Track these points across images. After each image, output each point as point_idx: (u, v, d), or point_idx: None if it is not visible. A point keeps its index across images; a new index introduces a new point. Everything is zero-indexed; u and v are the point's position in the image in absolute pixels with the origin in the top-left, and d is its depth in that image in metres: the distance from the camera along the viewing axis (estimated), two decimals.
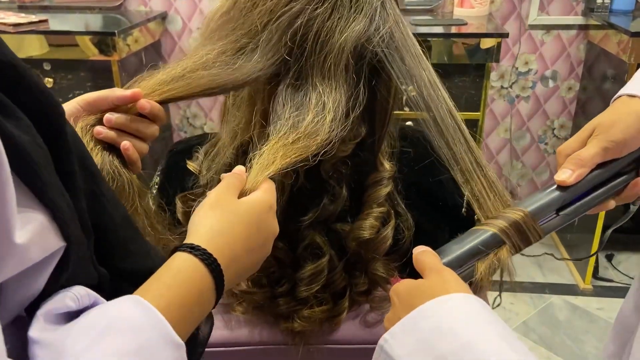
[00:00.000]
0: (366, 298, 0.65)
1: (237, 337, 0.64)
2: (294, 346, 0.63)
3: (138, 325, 0.35)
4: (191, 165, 0.66)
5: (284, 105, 0.55)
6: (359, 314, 0.65)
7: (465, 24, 1.80)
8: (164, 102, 0.55)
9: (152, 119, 0.56)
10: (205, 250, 0.43)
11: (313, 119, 0.53)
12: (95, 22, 2.02)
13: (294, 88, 0.55)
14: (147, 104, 0.54)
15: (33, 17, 1.84)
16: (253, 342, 0.63)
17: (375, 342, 0.63)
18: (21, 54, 1.75)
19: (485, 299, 0.90)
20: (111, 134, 0.53)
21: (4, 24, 1.78)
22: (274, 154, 0.52)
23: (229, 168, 0.60)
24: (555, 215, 0.59)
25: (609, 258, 2.08)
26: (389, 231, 0.62)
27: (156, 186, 0.74)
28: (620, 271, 2.01)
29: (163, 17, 2.12)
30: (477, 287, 0.85)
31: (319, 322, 0.61)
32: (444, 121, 0.58)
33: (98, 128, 0.53)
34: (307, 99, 0.54)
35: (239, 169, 0.51)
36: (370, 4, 0.58)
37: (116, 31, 1.73)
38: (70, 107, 0.54)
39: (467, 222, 0.75)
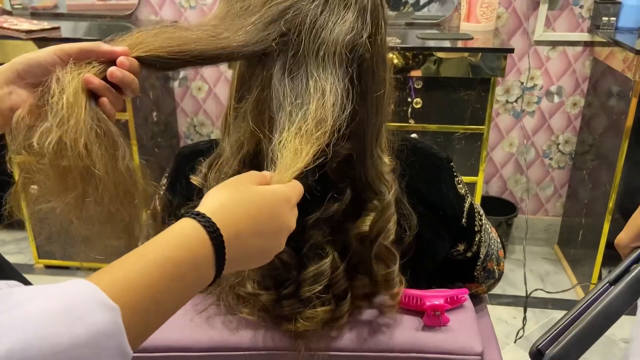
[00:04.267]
0: (369, 302, 0.66)
1: (240, 341, 0.64)
2: (296, 352, 0.63)
3: (68, 290, 0.35)
4: (195, 180, 0.66)
5: (283, 94, 0.56)
6: (362, 320, 0.66)
7: (472, 38, 1.82)
8: (142, 60, 0.53)
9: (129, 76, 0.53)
10: (209, 218, 0.43)
11: (317, 105, 0.54)
12: (106, 30, 2.05)
13: (289, 76, 0.57)
14: (127, 61, 0.51)
15: (45, 24, 1.87)
16: (257, 347, 0.64)
17: (379, 350, 0.64)
18: None
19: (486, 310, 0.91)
20: (103, 84, 0.51)
21: (17, 30, 1.81)
22: (299, 146, 0.53)
23: None
24: None
25: None
26: (391, 224, 0.63)
27: (164, 188, 0.75)
28: None
29: None
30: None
31: (320, 322, 0.62)
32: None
33: (89, 77, 0.50)
34: (305, 85, 0.56)
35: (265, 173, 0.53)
36: (360, 2, 0.59)
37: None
38: (45, 54, 0.52)
39: (466, 232, 0.76)
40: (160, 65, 0.54)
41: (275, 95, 0.57)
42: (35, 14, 2.18)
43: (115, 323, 0.35)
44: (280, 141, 0.54)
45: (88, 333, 0.33)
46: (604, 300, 0.57)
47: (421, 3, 2.07)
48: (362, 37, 0.58)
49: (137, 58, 0.53)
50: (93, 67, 0.52)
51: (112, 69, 0.51)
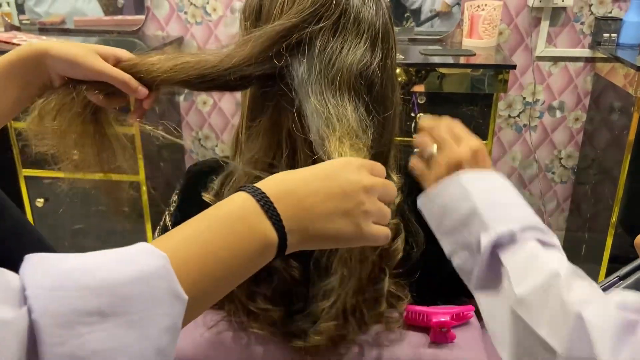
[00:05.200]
0: (377, 318, 0.67)
1: (250, 356, 0.65)
2: None
3: (121, 249, 0.37)
4: (207, 197, 0.67)
5: (312, 114, 0.57)
6: (369, 336, 0.67)
7: (474, 54, 1.84)
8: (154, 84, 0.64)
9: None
10: (250, 185, 0.44)
11: (352, 120, 0.56)
12: (113, 45, 2.07)
13: (314, 97, 0.57)
14: (147, 103, 0.66)
15: (53, 40, 1.90)
16: None
17: None
18: None
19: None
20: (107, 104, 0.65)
21: None
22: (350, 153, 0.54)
23: None
24: None
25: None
26: (399, 243, 0.64)
27: (174, 204, 0.76)
28: None
29: (179, 42, 2.18)
30: None
31: (329, 338, 0.63)
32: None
33: (101, 99, 0.64)
34: (327, 108, 0.56)
35: None
36: (372, 30, 0.60)
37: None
38: (71, 59, 0.61)
39: None
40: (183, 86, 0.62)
41: (309, 114, 0.57)
42: (43, 30, 2.21)
43: (164, 267, 0.36)
44: (329, 152, 0.54)
45: (139, 273, 0.35)
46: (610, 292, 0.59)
47: (422, 19, 2.10)
48: (373, 64, 0.59)
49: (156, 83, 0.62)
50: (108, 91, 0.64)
51: (132, 116, 0.68)
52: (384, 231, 0.50)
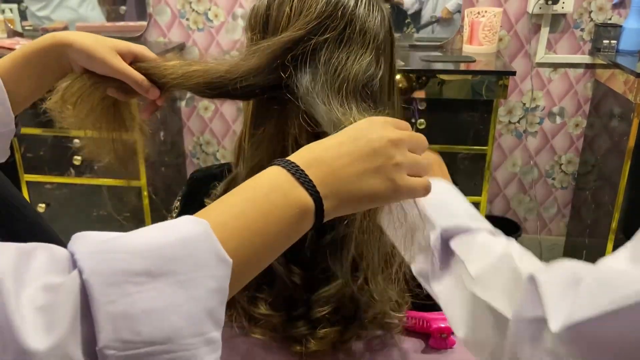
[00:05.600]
0: (377, 325, 0.67)
1: None
2: None
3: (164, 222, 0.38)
4: (209, 203, 0.68)
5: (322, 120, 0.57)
6: (369, 342, 0.67)
7: (474, 61, 1.85)
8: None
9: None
10: (302, 171, 0.43)
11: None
12: None
13: (320, 105, 0.57)
14: (160, 102, 0.69)
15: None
16: None
17: None
18: None
19: None
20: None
21: None
22: None
23: None
24: None
25: None
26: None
27: (177, 210, 0.76)
28: None
29: (181, 48, 2.19)
30: None
31: (330, 344, 0.63)
32: None
33: (115, 92, 0.68)
34: (336, 115, 0.56)
35: None
36: (377, 40, 0.61)
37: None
38: (91, 53, 0.64)
39: None
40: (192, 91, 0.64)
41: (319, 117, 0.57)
42: None
43: (206, 232, 0.37)
44: None
45: (183, 236, 0.36)
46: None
47: (421, 22, 2.11)
48: (379, 74, 0.60)
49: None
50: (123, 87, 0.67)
51: (145, 113, 0.71)
52: (422, 182, 0.49)
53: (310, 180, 0.43)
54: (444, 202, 0.59)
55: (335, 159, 0.45)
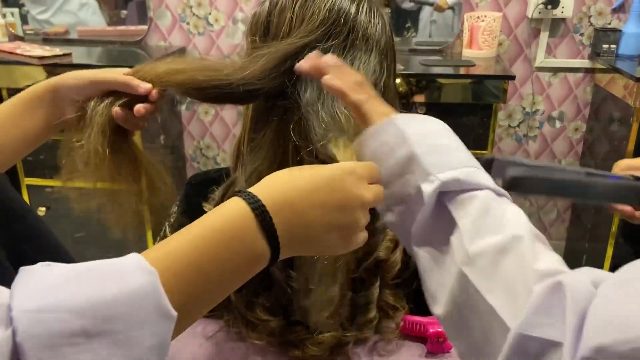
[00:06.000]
0: (375, 328, 0.67)
1: None
2: None
3: (111, 260, 0.36)
4: (208, 207, 0.68)
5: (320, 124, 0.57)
6: (366, 346, 0.67)
7: (474, 65, 1.86)
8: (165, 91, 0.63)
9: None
10: (250, 192, 0.42)
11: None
12: (117, 56, 2.09)
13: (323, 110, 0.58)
14: (157, 95, 0.62)
15: (57, 51, 1.92)
16: None
17: None
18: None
19: None
20: (126, 114, 0.62)
21: (30, 56, 1.86)
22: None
23: None
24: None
25: None
26: (397, 255, 0.65)
27: (174, 215, 0.77)
28: None
29: (182, 52, 2.19)
30: None
31: (327, 348, 0.63)
32: None
33: (117, 110, 0.61)
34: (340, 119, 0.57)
35: None
36: (379, 46, 0.62)
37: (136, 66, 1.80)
38: (78, 82, 0.62)
39: None
40: (187, 96, 0.62)
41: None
42: (47, 40, 2.23)
43: (152, 284, 0.35)
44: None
45: (125, 291, 0.34)
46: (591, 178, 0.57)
47: (420, 26, 2.11)
48: (382, 78, 0.61)
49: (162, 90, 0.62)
50: (121, 101, 0.62)
51: (138, 107, 0.61)
52: (365, 237, 0.49)
53: (276, 230, 0.42)
54: (440, 144, 0.49)
55: (306, 209, 0.43)
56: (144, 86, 0.61)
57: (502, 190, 0.48)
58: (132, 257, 0.37)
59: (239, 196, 0.42)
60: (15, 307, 0.31)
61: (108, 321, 0.33)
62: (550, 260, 0.42)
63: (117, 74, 0.62)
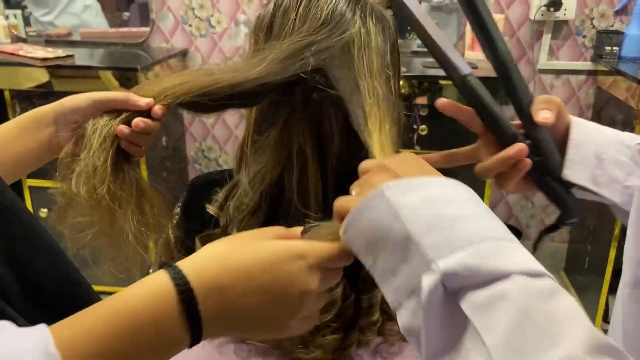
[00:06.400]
0: (378, 331, 0.67)
1: None
2: None
3: (21, 334, 0.33)
4: (211, 209, 0.68)
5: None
6: (369, 349, 0.67)
7: (476, 67, 1.85)
8: (167, 107, 0.61)
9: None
10: (180, 270, 0.38)
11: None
12: (119, 57, 2.10)
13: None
14: (160, 110, 0.59)
15: (60, 52, 1.92)
16: None
17: None
18: (53, 87, 1.82)
19: None
20: (130, 132, 0.59)
21: (33, 57, 1.86)
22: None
23: (254, 213, 0.63)
24: None
25: None
26: None
27: (177, 217, 0.76)
28: None
29: (184, 54, 2.20)
30: None
31: (330, 351, 0.63)
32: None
33: (122, 128, 0.58)
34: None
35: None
36: (390, 29, 0.62)
37: (139, 67, 1.81)
38: (84, 102, 0.60)
39: None
40: (190, 109, 0.61)
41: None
42: (50, 42, 2.24)
43: None
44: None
45: None
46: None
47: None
48: (386, 82, 0.60)
49: (165, 104, 0.60)
50: (122, 117, 0.60)
51: (136, 120, 0.58)
52: (309, 327, 0.44)
53: (201, 322, 0.37)
54: (443, 216, 0.37)
55: (238, 297, 0.38)
56: (144, 100, 0.60)
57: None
58: (40, 336, 0.33)
59: (170, 275, 0.38)
60: None
61: None
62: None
63: (116, 92, 0.62)
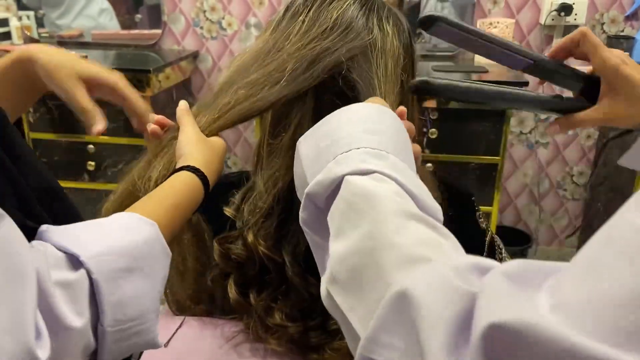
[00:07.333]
0: None
1: None
2: None
3: (120, 217, 0.48)
4: (228, 211, 0.69)
5: None
6: None
7: (486, 71, 1.86)
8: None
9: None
10: (202, 172, 0.59)
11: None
12: (131, 59, 2.12)
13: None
14: (162, 133, 0.69)
15: (74, 54, 1.94)
16: None
17: None
18: None
19: None
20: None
21: None
22: None
23: (267, 216, 0.64)
24: None
25: None
26: None
27: (195, 217, 0.77)
28: None
29: (195, 56, 2.21)
30: None
31: (347, 354, 0.63)
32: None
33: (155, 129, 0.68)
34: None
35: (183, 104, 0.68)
36: (404, 30, 0.64)
37: (151, 69, 1.82)
38: (61, 76, 0.62)
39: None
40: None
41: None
42: (62, 43, 2.26)
43: (157, 233, 0.48)
44: None
45: (144, 239, 0.46)
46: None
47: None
48: (401, 85, 0.61)
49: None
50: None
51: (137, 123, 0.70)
52: None
53: (208, 184, 0.59)
54: (324, 146, 0.47)
55: (213, 163, 0.63)
56: (150, 127, 0.67)
57: (366, 166, 0.40)
58: (133, 215, 0.48)
59: (183, 170, 0.58)
60: (82, 255, 0.41)
61: (139, 260, 0.45)
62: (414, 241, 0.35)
63: (83, 100, 0.62)
